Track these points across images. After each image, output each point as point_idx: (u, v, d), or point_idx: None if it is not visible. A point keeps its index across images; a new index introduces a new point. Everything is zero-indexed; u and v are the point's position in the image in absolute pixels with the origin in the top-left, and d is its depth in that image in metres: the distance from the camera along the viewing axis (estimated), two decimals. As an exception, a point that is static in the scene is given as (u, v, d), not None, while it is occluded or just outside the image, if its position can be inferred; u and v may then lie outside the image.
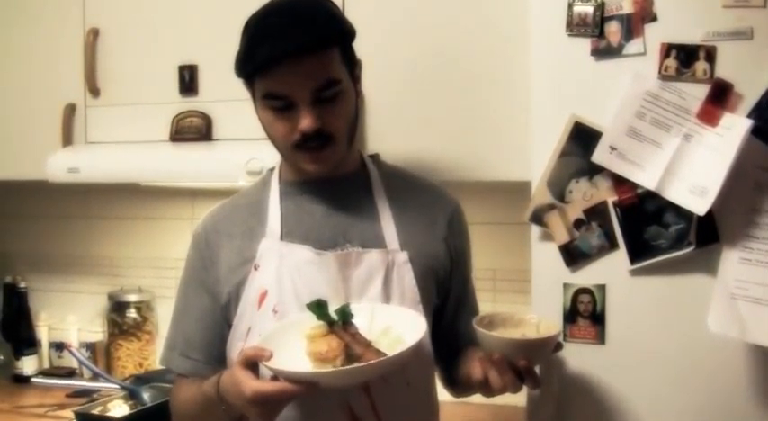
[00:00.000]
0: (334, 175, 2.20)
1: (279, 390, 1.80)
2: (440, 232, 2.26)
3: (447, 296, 2.32)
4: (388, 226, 2.19)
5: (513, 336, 2.01)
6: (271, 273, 2.13)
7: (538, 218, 2.34)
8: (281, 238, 2.17)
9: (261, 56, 1.99)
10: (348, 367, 1.82)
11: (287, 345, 1.92)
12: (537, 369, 2.01)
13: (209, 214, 2.31)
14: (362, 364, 1.81)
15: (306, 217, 2.19)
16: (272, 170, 2.33)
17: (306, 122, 2.01)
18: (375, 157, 2.36)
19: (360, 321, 1.97)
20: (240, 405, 1.88)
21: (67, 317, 4.10)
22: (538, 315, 2.17)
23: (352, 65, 2.15)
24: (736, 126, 2.15)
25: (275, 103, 2.05)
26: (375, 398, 2.08)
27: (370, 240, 2.17)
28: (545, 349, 2.02)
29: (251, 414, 1.89)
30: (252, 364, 1.87)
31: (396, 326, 1.97)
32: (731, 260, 2.21)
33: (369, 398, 2.07)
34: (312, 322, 1.94)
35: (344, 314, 1.94)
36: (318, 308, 1.94)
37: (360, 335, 1.91)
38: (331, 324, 1.92)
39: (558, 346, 2.07)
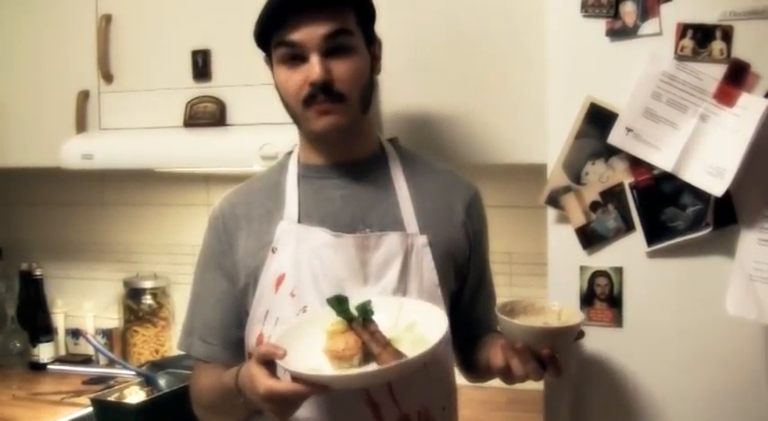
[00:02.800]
0: (353, 159, 2.20)
1: (291, 391, 1.81)
2: (458, 217, 2.25)
3: (464, 281, 2.32)
4: (407, 209, 2.18)
5: (535, 324, 2.00)
6: (288, 257, 2.13)
7: (554, 200, 2.33)
8: (299, 221, 2.16)
9: (276, 5, 2.03)
10: (360, 371, 1.83)
11: (307, 340, 1.92)
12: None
13: (226, 198, 2.30)
14: (375, 369, 1.81)
15: (324, 201, 2.19)
16: (289, 154, 2.32)
17: (315, 72, 2.02)
18: (394, 141, 2.36)
19: (386, 316, 1.97)
20: (255, 400, 1.89)
21: (83, 304, 4.13)
22: (559, 302, 2.16)
23: (371, 40, 2.18)
24: (753, 106, 2.13)
25: (287, 51, 2.06)
26: (392, 382, 2.07)
27: (389, 224, 2.16)
28: (568, 337, 2.01)
29: (266, 410, 1.89)
30: (268, 361, 1.87)
31: (420, 322, 1.96)
32: (749, 241, 2.19)
33: (386, 382, 2.07)
34: (333, 317, 1.94)
35: (365, 311, 1.92)
36: (338, 303, 1.93)
37: (379, 333, 1.89)
38: (350, 320, 1.92)
39: (580, 334, 2.07)
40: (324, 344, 1.91)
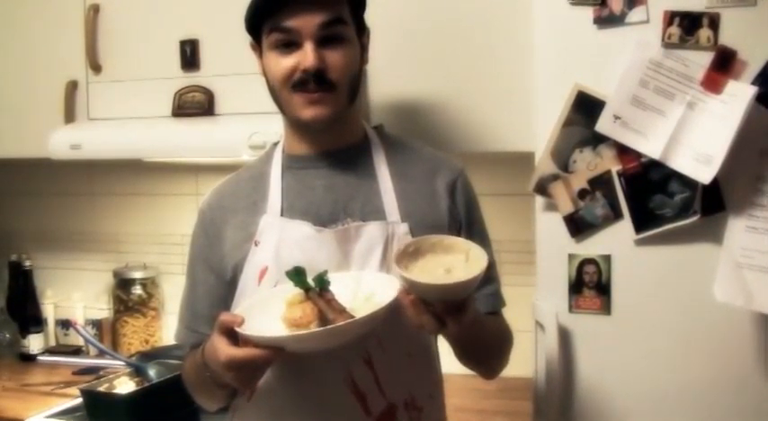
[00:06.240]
0: (336, 148, 2.19)
1: (248, 355, 1.82)
2: (442, 201, 2.22)
3: (457, 268, 2.30)
4: (389, 198, 2.16)
5: (434, 270, 1.87)
6: (270, 250, 2.13)
7: (542, 188, 2.34)
8: (282, 214, 2.16)
9: None
10: (310, 331, 1.84)
11: (269, 312, 1.95)
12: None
13: (215, 190, 2.30)
14: (327, 327, 1.81)
15: (307, 192, 2.18)
16: (275, 144, 2.32)
17: (309, 59, 2.02)
18: (379, 128, 2.35)
19: (345, 289, 1.98)
20: (219, 371, 1.90)
21: (73, 295, 4.12)
22: (466, 241, 1.97)
23: (361, 30, 2.18)
24: (740, 93, 2.14)
25: (281, 37, 2.05)
26: (378, 371, 2.08)
27: (371, 213, 2.15)
28: (465, 290, 1.83)
29: (229, 380, 1.90)
30: (229, 331, 1.88)
31: (379, 292, 1.96)
32: (737, 228, 2.20)
33: (372, 372, 2.07)
34: (294, 289, 1.96)
35: (321, 281, 1.93)
36: (296, 275, 1.95)
37: (335, 301, 1.91)
38: (308, 290, 1.93)
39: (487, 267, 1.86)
40: (283, 315, 1.93)
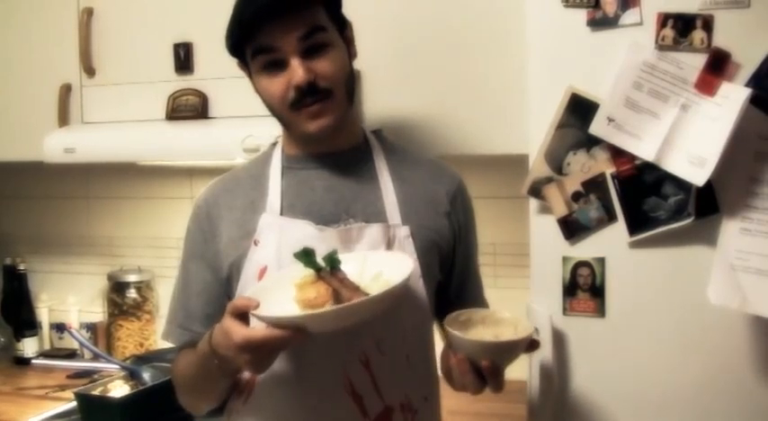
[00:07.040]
0: (337, 150, 2.20)
1: (268, 336, 1.80)
2: (442, 207, 2.25)
3: (450, 272, 2.32)
4: (390, 200, 2.18)
5: (484, 337, 1.98)
6: (271, 249, 2.12)
7: (536, 191, 2.33)
8: (282, 213, 2.16)
9: (247, 14, 2.02)
10: (333, 307, 1.83)
11: (279, 296, 1.94)
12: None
13: (210, 187, 2.30)
14: (348, 304, 1.81)
15: (307, 191, 2.19)
16: (273, 145, 2.32)
17: (298, 75, 2.02)
18: (378, 133, 2.36)
19: (351, 269, 1.98)
20: (231, 355, 1.87)
21: (68, 298, 4.13)
22: (515, 315, 2.10)
23: (342, 26, 2.18)
24: (734, 95, 2.13)
25: (265, 58, 2.06)
26: (375, 373, 2.08)
27: (373, 215, 2.16)
28: (510, 352, 1.97)
29: (242, 363, 1.88)
30: (242, 315, 1.86)
31: (386, 271, 1.97)
32: (731, 231, 2.19)
33: (369, 374, 2.08)
34: (302, 272, 1.95)
35: (332, 260, 1.94)
36: (306, 256, 1.94)
37: (348, 280, 1.91)
38: (319, 271, 1.93)
39: (534, 345, 2.03)
40: (296, 296, 1.92)
